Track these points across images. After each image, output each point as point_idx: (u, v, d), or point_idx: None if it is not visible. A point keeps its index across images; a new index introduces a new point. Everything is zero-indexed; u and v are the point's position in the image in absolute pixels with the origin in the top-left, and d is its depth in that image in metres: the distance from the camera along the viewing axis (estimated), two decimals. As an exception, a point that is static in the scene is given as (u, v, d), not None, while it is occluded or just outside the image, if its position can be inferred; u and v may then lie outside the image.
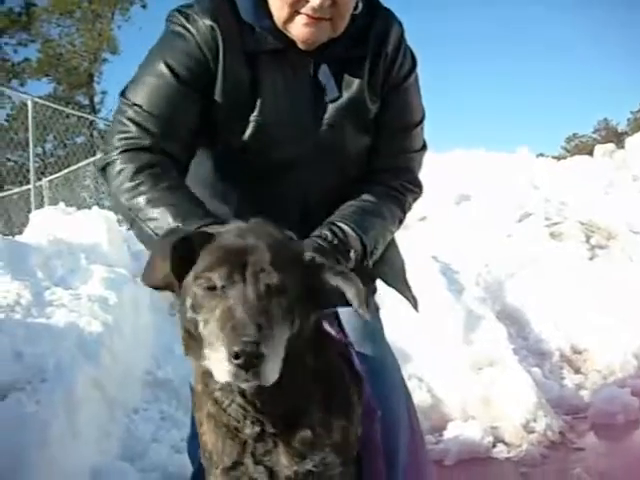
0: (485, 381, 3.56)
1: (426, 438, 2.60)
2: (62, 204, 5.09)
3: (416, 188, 1.85)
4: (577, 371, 4.13)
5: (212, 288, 1.22)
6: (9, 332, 3.06)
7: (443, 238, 4.18)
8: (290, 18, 1.60)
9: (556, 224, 5.19)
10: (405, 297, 1.93)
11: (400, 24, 1.79)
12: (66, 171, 10.08)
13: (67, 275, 3.88)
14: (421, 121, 1.86)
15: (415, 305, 1.93)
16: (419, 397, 3.35)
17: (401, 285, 1.93)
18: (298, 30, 1.61)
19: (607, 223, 5.28)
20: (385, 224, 1.74)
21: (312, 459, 1.36)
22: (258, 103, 1.66)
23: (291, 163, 1.70)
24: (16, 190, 10.70)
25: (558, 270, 4.62)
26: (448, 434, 3.31)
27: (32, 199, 8.36)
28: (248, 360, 1.11)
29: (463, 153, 7.99)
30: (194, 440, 1.71)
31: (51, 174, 10.17)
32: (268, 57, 1.67)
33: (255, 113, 1.67)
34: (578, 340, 4.30)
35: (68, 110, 10.36)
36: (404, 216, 1.83)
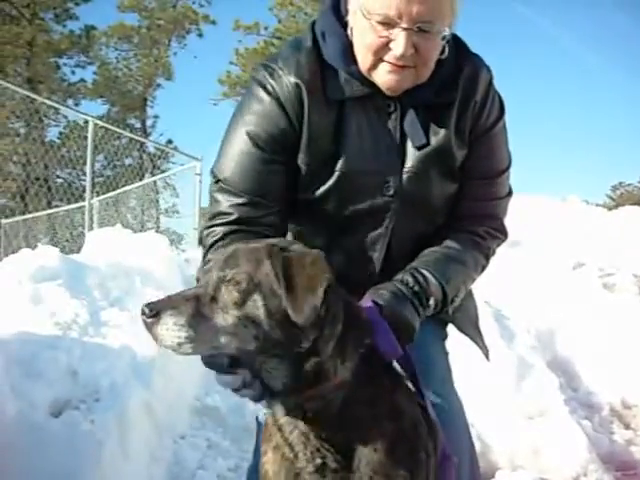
0: (535, 431, 3.50)
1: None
2: (119, 225, 5.19)
3: (501, 235, 1.86)
4: (627, 426, 4.05)
5: None
6: (66, 350, 3.13)
7: (495, 283, 4.14)
8: (374, 65, 1.62)
9: (609, 275, 5.12)
10: (477, 345, 1.92)
11: (489, 70, 1.78)
12: (117, 192, 10.27)
13: (123, 296, 3.96)
14: (507, 168, 1.86)
15: (487, 354, 1.93)
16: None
17: (473, 332, 1.92)
18: (382, 77, 1.63)
19: None
20: (468, 272, 1.74)
21: None
22: (343, 151, 1.67)
23: (375, 212, 1.70)
24: (65, 207, 10.93)
25: (610, 322, 4.54)
26: None
27: (86, 217, 8.53)
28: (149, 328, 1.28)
29: (514, 196, 7.98)
30: (254, 473, 1.74)
31: (98, 194, 10.40)
32: (353, 102, 1.68)
33: (340, 161, 1.67)
34: (629, 394, 4.21)
35: (122, 132, 10.61)
36: (487, 263, 1.82)
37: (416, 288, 1.59)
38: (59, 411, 2.77)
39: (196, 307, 1.25)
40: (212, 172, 1.72)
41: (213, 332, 1.24)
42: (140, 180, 10.62)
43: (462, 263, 1.73)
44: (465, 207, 1.81)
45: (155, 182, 11.50)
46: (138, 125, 29.86)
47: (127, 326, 3.51)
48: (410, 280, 1.60)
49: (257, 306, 1.24)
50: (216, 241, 1.63)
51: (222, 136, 1.75)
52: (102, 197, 10.28)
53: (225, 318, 1.24)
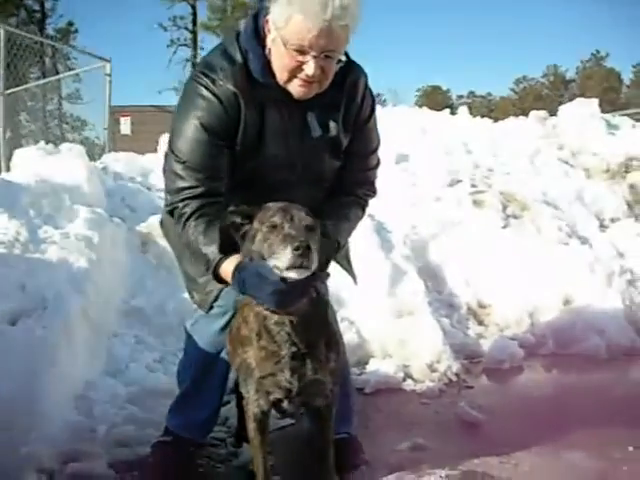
0: (402, 327, 4.09)
1: (351, 370, 3.30)
2: (42, 143, 5.53)
3: (373, 193, 2.61)
4: (480, 323, 4.67)
5: (274, 226, 1.98)
6: (13, 266, 3.53)
7: (380, 197, 4.87)
8: (289, 80, 2.22)
9: (480, 192, 5.70)
10: (347, 272, 2.67)
11: (366, 75, 2.46)
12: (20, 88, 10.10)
13: (54, 214, 4.40)
14: (377, 147, 2.57)
15: (355, 279, 2.69)
16: (348, 336, 3.87)
17: (346, 264, 2.67)
18: (295, 89, 2.24)
19: (524, 194, 5.78)
20: (352, 225, 2.51)
21: (321, 374, 2.19)
22: (265, 139, 2.31)
23: (285, 181, 2.35)
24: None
25: (475, 235, 5.16)
26: (369, 368, 3.86)
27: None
28: (303, 251, 1.88)
29: (406, 111, 8.56)
30: (187, 366, 2.64)
31: None
32: (272, 104, 2.30)
33: (263, 147, 2.31)
34: (484, 297, 4.82)
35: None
36: (364, 214, 2.58)
37: None
38: (14, 320, 3.15)
39: None
40: (174, 154, 2.29)
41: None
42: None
43: (348, 220, 2.47)
44: (349, 176, 2.52)
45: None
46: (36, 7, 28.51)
47: (61, 242, 3.93)
48: None
49: None
50: (194, 211, 2.23)
51: (173, 125, 2.33)
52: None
53: None
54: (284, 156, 2.35)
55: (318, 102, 2.32)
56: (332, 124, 2.38)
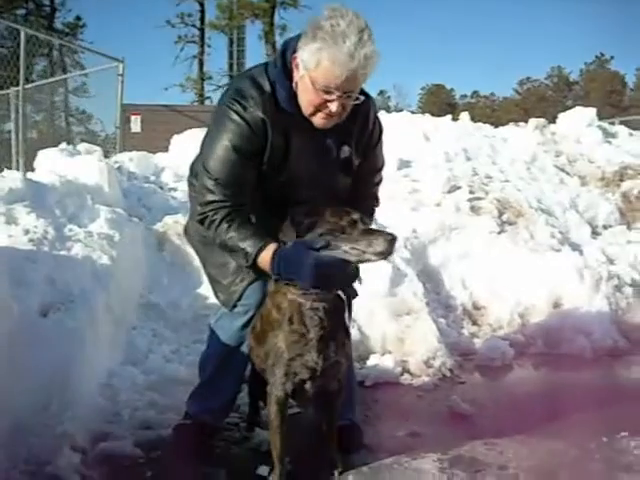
0: (402, 325, 4.34)
1: (354, 365, 3.60)
2: (64, 144, 5.84)
3: (378, 203, 2.96)
4: (474, 323, 4.95)
5: (354, 222, 2.42)
6: (42, 262, 3.75)
7: (383, 203, 5.17)
8: (313, 113, 2.53)
9: (477, 199, 5.97)
10: None
11: (374, 104, 2.79)
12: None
13: (78, 213, 4.69)
14: (383, 166, 2.92)
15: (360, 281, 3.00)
16: (352, 333, 4.23)
17: None
18: (317, 121, 2.55)
19: (519, 201, 6.04)
20: None
21: (340, 356, 2.54)
22: (289, 161, 2.63)
23: (307, 196, 2.65)
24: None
25: (472, 240, 5.45)
26: (370, 363, 4.08)
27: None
28: (395, 240, 2.38)
29: (410, 117, 8.80)
30: (207, 358, 2.92)
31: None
32: (296, 130, 2.61)
33: (287, 167, 2.63)
34: (479, 299, 5.12)
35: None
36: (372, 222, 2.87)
37: None
38: (45, 312, 3.38)
39: None
40: (207, 171, 2.60)
41: None
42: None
43: None
44: (360, 190, 2.84)
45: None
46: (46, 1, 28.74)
47: (85, 240, 4.22)
48: None
49: None
50: (224, 217, 2.55)
51: (206, 146, 2.65)
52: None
53: None
54: (306, 174, 2.67)
55: (334, 129, 2.63)
56: (346, 148, 2.70)
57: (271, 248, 2.47)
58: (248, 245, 2.51)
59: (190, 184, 2.97)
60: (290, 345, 2.44)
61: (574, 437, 3.06)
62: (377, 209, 3.01)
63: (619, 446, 2.99)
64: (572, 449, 2.94)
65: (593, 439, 3.05)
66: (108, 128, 11.87)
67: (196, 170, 2.79)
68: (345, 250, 2.36)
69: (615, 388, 3.93)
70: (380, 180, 2.96)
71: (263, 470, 2.69)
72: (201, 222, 2.65)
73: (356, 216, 2.42)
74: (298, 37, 2.52)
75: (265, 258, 2.48)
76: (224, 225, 2.55)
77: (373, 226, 2.70)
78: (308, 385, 2.53)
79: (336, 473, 2.67)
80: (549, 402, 3.62)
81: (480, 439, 3.05)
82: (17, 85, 10.28)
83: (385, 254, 2.38)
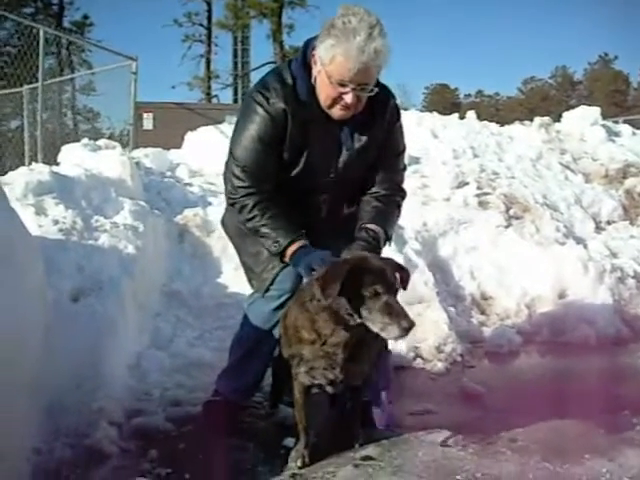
0: (414, 313, 4.31)
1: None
2: (86, 139, 6.04)
3: (404, 193, 3.07)
4: (483, 312, 5.11)
5: (377, 294, 2.31)
6: (72, 250, 3.93)
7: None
8: (331, 106, 2.72)
9: (485, 194, 6.18)
10: None
11: (393, 95, 2.94)
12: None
13: (102, 205, 4.88)
14: (404, 150, 3.05)
15: None
16: None
17: None
18: (335, 113, 2.74)
19: (525, 197, 6.24)
20: (394, 220, 2.99)
21: (364, 366, 2.62)
22: (307, 150, 2.80)
23: (321, 186, 2.87)
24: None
25: (480, 234, 5.65)
26: None
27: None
28: (410, 329, 2.28)
29: (422, 115, 8.97)
30: (239, 340, 3.10)
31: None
32: (314, 121, 2.78)
33: (305, 156, 2.80)
34: (487, 289, 5.30)
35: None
36: (400, 212, 3.05)
37: (372, 240, 2.79)
38: (76, 297, 3.56)
39: None
40: (234, 159, 2.80)
41: None
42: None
43: (391, 215, 2.95)
44: (383, 177, 2.96)
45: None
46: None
47: (111, 231, 4.39)
48: (367, 236, 2.79)
49: None
50: (256, 203, 2.75)
51: (234, 136, 2.84)
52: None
53: None
54: (323, 162, 2.86)
55: (351, 121, 2.82)
56: (362, 137, 2.86)
57: (299, 244, 2.72)
58: (280, 234, 2.73)
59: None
60: (315, 359, 2.53)
61: (578, 414, 3.23)
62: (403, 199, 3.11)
63: (621, 423, 3.17)
64: (577, 425, 3.11)
65: (596, 416, 3.22)
66: (117, 126, 11.99)
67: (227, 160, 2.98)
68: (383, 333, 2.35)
69: (617, 372, 4.11)
70: (404, 167, 3.11)
71: (289, 442, 2.88)
72: (232, 205, 2.87)
73: (380, 288, 2.32)
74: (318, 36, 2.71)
75: (291, 249, 2.73)
76: (255, 211, 2.76)
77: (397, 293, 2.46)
78: (329, 388, 2.66)
79: (357, 445, 2.83)
80: (554, 384, 3.81)
81: (490, 416, 3.26)
82: (27, 84, 10.45)
83: (397, 339, 2.46)
